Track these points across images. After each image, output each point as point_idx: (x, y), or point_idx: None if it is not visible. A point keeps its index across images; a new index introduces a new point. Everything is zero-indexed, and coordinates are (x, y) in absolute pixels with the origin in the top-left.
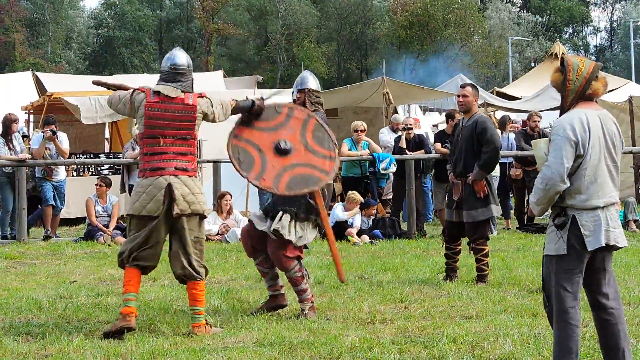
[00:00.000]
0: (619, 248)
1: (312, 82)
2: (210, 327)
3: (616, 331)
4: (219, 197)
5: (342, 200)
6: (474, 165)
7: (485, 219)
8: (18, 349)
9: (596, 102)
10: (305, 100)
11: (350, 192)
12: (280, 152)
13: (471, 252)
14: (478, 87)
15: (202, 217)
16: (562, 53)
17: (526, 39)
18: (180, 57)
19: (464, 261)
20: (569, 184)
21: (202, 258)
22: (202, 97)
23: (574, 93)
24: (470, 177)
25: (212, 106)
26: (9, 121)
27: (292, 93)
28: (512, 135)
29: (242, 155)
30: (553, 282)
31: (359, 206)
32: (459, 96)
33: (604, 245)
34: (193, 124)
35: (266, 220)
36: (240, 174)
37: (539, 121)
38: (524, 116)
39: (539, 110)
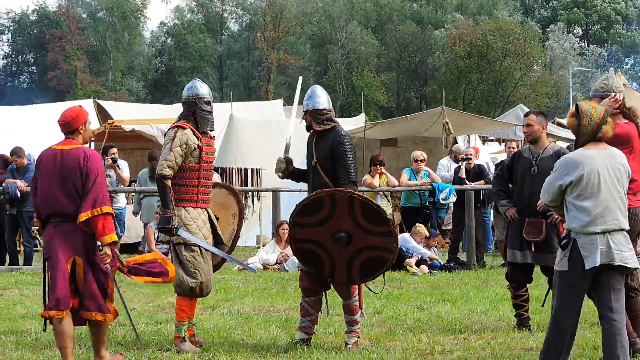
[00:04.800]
0: (629, 269)
1: (317, 102)
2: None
3: (614, 341)
4: (277, 226)
5: (402, 230)
6: None
7: None
8: None
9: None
10: (312, 122)
11: (418, 225)
12: (342, 243)
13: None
14: (545, 114)
15: None
16: (578, 103)
17: (588, 69)
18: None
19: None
20: (552, 203)
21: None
22: (173, 128)
23: (587, 135)
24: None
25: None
26: None
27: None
28: None
29: (308, 257)
30: (555, 292)
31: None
32: (523, 126)
33: (599, 265)
34: None
35: None
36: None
37: None
38: None
39: None
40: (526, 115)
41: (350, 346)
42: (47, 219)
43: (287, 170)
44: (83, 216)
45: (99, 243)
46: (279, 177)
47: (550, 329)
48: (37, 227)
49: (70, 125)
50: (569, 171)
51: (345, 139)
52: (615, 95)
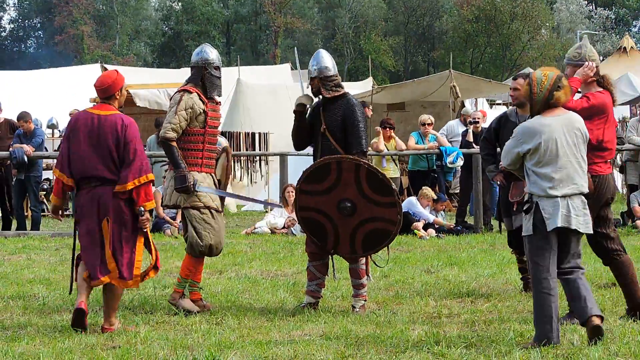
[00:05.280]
0: (582, 234)
1: (326, 67)
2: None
3: (577, 284)
4: (283, 190)
5: (409, 194)
6: None
7: None
8: (86, 340)
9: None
10: (321, 89)
11: (424, 187)
12: (346, 213)
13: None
14: None
15: None
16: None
17: (595, 32)
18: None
19: None
20: (511, 167)
21: None
22: (179, 92)
23: (540, 103)
24: None
25: (169, 107)
26: None
27: (308, 75)
28: None
29: (314, 227)
30: (528, 257)
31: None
32: (510, 89)
33: (560, 226)
34: None
35: None
36: (314, 245)
37: None
38: None
39: None
40: (514, 78)
41: (357, 310)
42: (80, 182)
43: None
44: (130, 185)
45: (141, 209)
46: (298, 108)
47: (535, 295)
48: (45, 192)
49: (107, 91)
50: (526, 139)
51: (357, 108)
52: (589, 63)
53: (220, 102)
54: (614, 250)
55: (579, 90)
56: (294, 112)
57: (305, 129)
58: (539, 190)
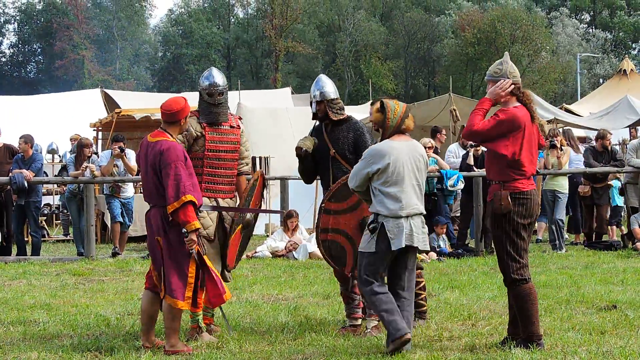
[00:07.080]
0: (421, 251)
1: (331, 91)
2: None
3: (406, 313)
4: (286, 217)
5: None
6: None
7: None
8: None
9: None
10: (328, 112)
11: None
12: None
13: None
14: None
15: None
16: (382, 100)
17: (595, 55)
18: None
19: (535, 278)
20: (358, 189)
21: None
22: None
23: (392, 128)
24: None
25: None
26: (80, 146)
27: (311, 104)
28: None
29: (333, 249)
30: (362, 272)
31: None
32: (370, 114)
33: (404, 246)
34: None
35: None
36: (337, 270)
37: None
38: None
39: (611, 128)
40: (372, 104)
41: (369, 330)
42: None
43: (310, 150)
44: (170, 209)
45: (184, 230)
46: (297, 152)
47: (374, 304)
48: (45, 218)
49: (174, 116)
50: (376, 160)
51: (365, 129)
52: (504, 81)
53: (235, 125)
54: (519, 277)
55: (499, 104)
56: (297, 155)
57: (310, 169)
58: (385, 210)
